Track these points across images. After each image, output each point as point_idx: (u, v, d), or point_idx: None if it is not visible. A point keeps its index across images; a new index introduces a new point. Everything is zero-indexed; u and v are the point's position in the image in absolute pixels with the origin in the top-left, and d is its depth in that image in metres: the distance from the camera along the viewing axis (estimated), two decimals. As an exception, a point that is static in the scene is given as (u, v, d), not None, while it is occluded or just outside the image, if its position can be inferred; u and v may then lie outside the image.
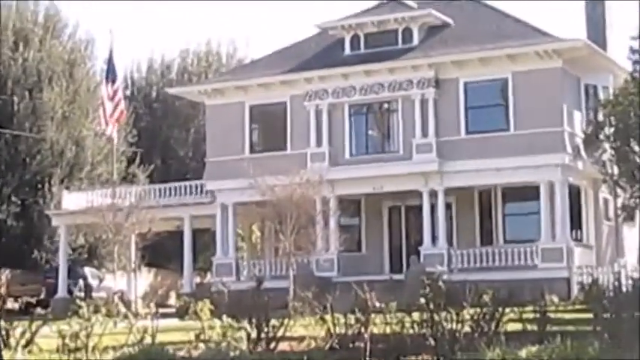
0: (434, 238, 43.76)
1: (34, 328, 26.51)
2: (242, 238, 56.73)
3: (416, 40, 45.80)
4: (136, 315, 28.84)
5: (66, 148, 58.85)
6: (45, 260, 57.18)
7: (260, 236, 54.61)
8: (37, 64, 59.37)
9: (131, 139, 64.32)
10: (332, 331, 23.80)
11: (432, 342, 22.35)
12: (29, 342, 26.13)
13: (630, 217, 42.41)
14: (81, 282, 52.66)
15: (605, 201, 45.83)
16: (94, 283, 53.05)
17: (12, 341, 25.52)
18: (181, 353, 24.29)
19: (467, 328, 22.37)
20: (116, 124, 50.48)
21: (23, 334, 26.07)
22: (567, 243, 41.88)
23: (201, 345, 24.93)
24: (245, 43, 76.10)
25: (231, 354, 23.60)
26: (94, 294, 48.50)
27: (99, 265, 58.08)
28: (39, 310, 35.20)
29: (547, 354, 20.53)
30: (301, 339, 24.52)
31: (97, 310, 26.96)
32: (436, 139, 43.97)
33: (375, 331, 23.26)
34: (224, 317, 25.05)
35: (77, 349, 25.38)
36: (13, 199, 56.78)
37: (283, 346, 24.28)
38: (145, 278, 59.41)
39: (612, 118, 39.04)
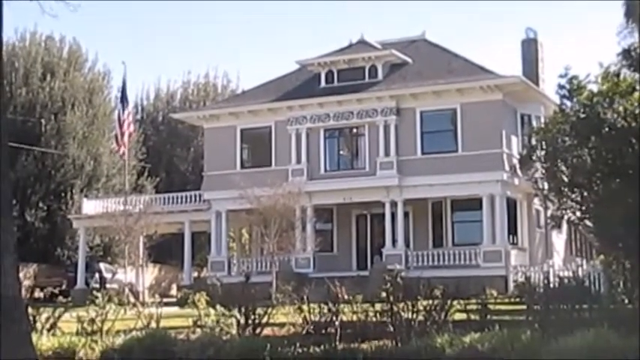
0: (394, 241, 43.73)
1: (57, 314, 26.46)
2: (233, 239, 56.66)
3: (380, 76, 45.86)
4: (143, 304, 28.82)
5: (85, 162, 58.79)
6: (66, 257, 57.03)
7: (248, 238, 54.57)
8: (61, 92, 59.29)
9: (140, 156, 64.27)
10: (308, 318, 23.81)
11: (392, 328, 22.40)
12: (53, 326, 26.08)
13: (557, 226, 42.41)
14: (97, 275, 52.39)
15: (537, 212, 45.86)
16: (107, 276, 52.77)
17: (38, 325, 25.50)
18: (181, 336, 24.29)
19: (420, 317, 22.43)
20: (127, 144, 50.08)
21: (48, 319, 26.06)
22: (505, 246, 41.98)
23: (198, 330, 24.91)
24: (237, 77, 76.17)
25: (223, 337, 23.62)
26: (107, 285, 48.20)
27: (112, 261, 57.88)
28: (61, 299, 34.87)
29: (487, 340, 20.62)
30: (282, 325, 24.55)
31: (110, 300, 26.94)
32: (397, 159, 44.03)
33: (344, 318, 23.30)
34: (217, 306, 25.04)
35: (93, 332, 25.40)
36: (40, 205, 56.72)
37: (267, 331, 24.31)
38: (151, 272, 59.19)
39: (543, 143, 39.02)
